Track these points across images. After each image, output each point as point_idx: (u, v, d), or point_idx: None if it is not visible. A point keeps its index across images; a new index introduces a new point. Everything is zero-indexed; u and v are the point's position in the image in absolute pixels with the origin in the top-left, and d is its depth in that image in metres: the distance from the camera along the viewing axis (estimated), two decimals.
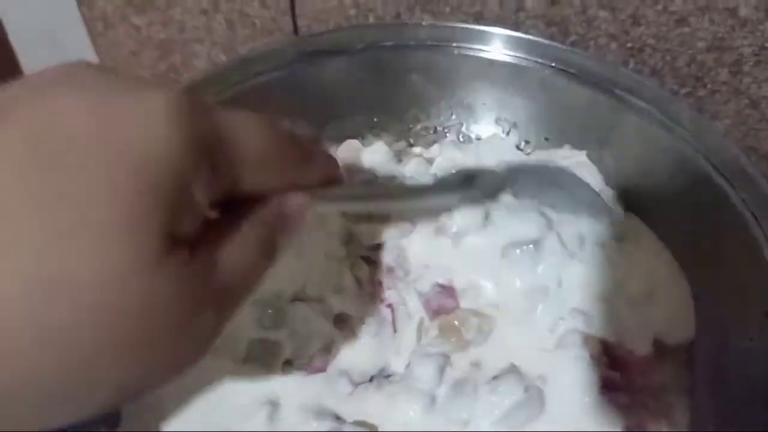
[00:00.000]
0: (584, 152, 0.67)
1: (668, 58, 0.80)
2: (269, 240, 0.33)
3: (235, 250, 0.31)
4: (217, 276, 0.30)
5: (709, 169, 0.58)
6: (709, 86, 0.81)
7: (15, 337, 0.25)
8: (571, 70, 0.65)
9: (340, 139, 0.70)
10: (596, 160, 0.67)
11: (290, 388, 0.52)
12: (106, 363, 0.27)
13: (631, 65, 0.81)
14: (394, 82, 0.70)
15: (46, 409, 0.28)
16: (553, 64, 0.66)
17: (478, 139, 0.72)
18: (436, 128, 0.73)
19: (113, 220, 0.25)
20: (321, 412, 0.50)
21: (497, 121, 0.72)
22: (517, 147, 0.71)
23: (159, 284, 0.27)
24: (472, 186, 0.57)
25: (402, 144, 0.72)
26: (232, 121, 0.31)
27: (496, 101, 0.71)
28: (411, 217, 0.61)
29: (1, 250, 0.25)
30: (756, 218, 0.54)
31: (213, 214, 0.30)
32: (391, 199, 0.52)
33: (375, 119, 0.72)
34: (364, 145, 0.70)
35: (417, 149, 0.71)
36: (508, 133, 0.71)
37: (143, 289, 0.26)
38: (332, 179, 0.39)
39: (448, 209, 0.59)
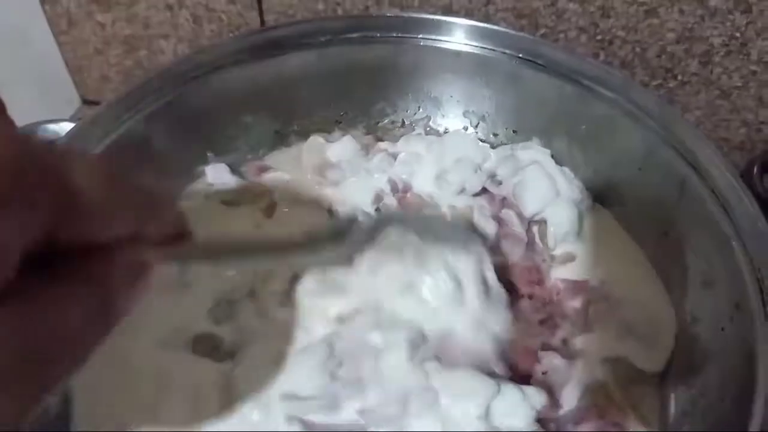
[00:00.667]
0: (548, 151, 0.66)
1: (638, 49, 0.79)
2: (105, 299, 0.28)
3: (59, 306, 0.26)
4: (32, 338, 0.25)
5: (678, 160, 0.57)
6: (679, 77, 0.81)
7: None
8: (539, 61, 0.64)
9: (305, 135, 0.69)
10: (565, 153, 0.66)
11: None
12: None
13: (602, 57, 0.81)
14: (360, 76, 0.69)
15: None
16: (521, 55, 0.65)
17: (447, 132, 0.71)
18: (403, 122, 0.72)
19: None
20: None
21: (465, 113, 0.71)
22: (483, 140, 0.70)
23: None
24: (341, 242, 0.53)
25: (370, 138, 0.71)
26: (66, 159, 0.26)
27: (464, 93, 0.70)
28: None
29: None
30: (725, 210, 0.53)
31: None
32: (249, 257, 0.45)
33: (342, 113, 0.71)
34: (329, 140, 0.69)
35: (383, 144, 0.69)
36: (476, 126, 0.70)
37: None
38: (180, 235, 0.33)
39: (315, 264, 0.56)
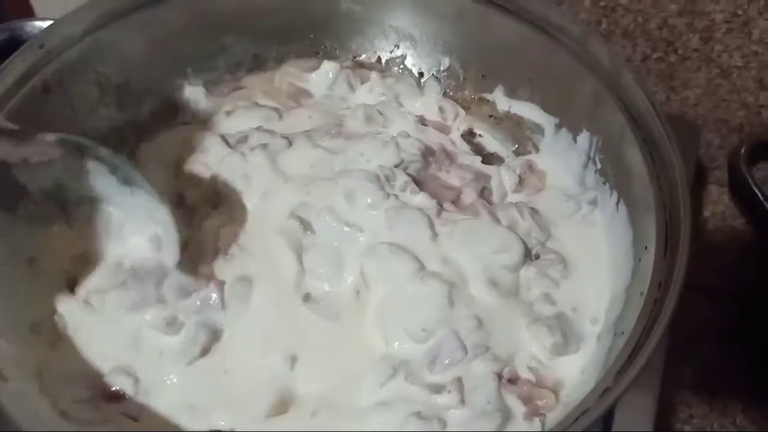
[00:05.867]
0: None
1: (640, 19, 0.78)
2: None
3: None
4: None
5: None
6: (680, 52, 0.79)
7: None
8: (508, 6, 0.64)
9: (283, 62, 0.72)
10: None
11: None
12: None
13: (604, 25, 0.80)
14: (335, 7, 0.70)
15: None
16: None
17: (420, 74, 0.72)
18: (380, 58, 0.73)
19: None
20: None
21: (438, 55, 0.71)
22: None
23: None
24: None
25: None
26: None
27: (438, 35, 0.70)
28: None
29: None
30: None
31: None
32: None
33: (322, 45, 0.73)
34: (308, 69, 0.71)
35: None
36: (447, 69, 0.71)
37: None
38: None
39: None
